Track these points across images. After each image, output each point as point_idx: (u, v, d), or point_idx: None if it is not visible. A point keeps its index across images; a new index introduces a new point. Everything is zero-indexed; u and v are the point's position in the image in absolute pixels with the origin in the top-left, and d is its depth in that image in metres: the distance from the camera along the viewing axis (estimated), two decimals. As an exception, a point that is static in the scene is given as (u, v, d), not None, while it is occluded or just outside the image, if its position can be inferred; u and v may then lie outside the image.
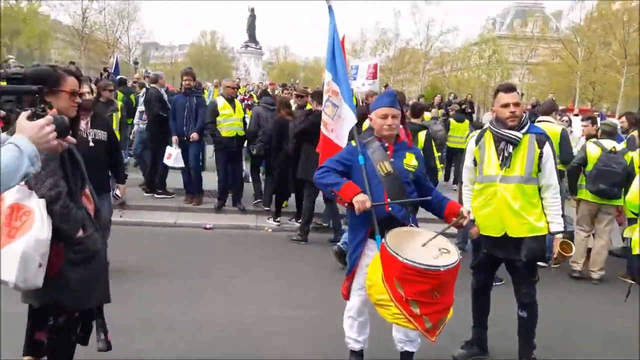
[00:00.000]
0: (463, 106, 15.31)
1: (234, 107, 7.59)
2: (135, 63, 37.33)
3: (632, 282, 5.23)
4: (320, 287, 5.16)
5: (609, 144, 5.96)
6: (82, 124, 4.24)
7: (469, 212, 3.30)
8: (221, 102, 7.64)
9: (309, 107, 8.39)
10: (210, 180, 8.31)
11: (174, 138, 7.63)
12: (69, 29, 36.19)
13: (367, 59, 10.65)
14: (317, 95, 6.75)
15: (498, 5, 61.18)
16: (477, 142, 3.75)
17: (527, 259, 3.56)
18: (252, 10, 34.15)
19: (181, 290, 4.92)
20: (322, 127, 4.26)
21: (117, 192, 5.36)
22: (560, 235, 3.59)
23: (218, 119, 7.52)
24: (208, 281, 5.22)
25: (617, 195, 5.82)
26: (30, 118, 1.78)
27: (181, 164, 7.60)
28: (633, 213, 4.67)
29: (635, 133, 6.76)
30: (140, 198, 7.94)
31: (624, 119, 7.64)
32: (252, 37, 34.67)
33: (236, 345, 3.87)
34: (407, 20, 70.78)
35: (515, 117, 3.52)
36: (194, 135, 7.61)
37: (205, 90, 15.13)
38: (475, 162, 3.74)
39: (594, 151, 5.98)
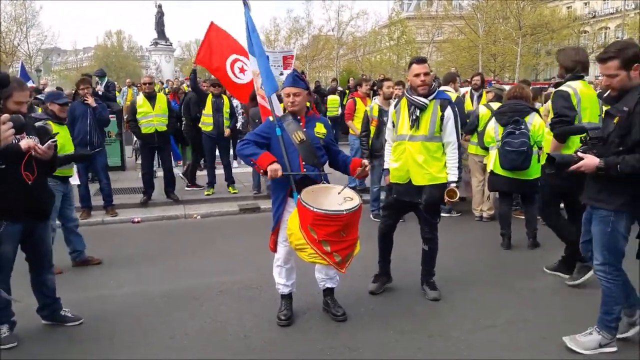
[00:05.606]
0: (375, 87, 16.22)
1: (153, 105, 7.81)
2: (38, 71, 35.48)
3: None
4: (253, 258, 5.65)
5: (496, 105, 6.84)
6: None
7: (369, 163, 4.02)
8: (140, 99, 7.91)
9: (226, 98, 8.87)
10: (131, 177, 8.30)
11: None
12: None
13: (280, 51, 11.32)
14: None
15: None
16: (395, 107, 4.42)
17: (427, 202, 4.26)
18: (160, 6, 33.22)
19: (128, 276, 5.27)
20: (259, 99, 5.11)
21: None
22: (454, 185, 4.22)
23: (137, 116, 7.78)
24: (151, 265, 5.59)
25: None
26: None
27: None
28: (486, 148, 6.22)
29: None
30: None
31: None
32: (161, 34, 33.70)
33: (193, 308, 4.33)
34: (317, 7, 71.91)
35: (426, 85, 4.16)
36: None
37: (117, 92, 15.04)
38: (393, 124, 4.39)
39: (483, 112, 6.88)
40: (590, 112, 4.47)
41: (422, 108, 4.15)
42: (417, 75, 4.16)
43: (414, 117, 4.17)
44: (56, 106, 5.24)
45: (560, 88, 4.49)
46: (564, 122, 4.32)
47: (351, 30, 40.20)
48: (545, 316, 4.07)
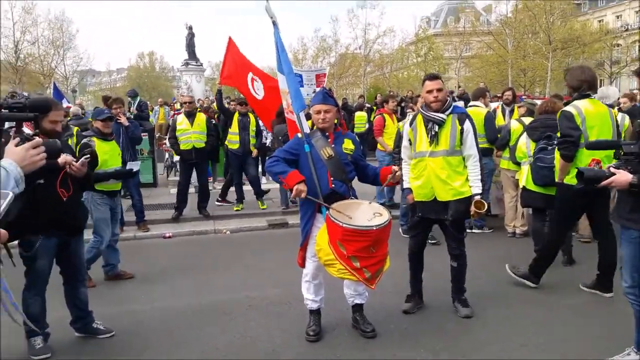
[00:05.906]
0: (402, 103, 16.17)
1: (192, 122, 7.99)
2: (73, 91, 36.71)
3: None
4: (281, 273, 5.66)
5: (528, 120, 6.74)
6: None
7: (398, 170, 3.99)
8: (180, 118, 8.19)
9: (252, 116, 8.97)
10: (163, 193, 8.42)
11: None
12: (1, 63, 35.05)
13: (313, 69, 11.59)
14: None
15: (430, 4, 64.05)
16: (410, 124, 4.39)
17: (453, 218, 4.20)
18: (190, 27, 34.02)
19: (162, 290, 5.33)
20: (289, 115, 5.12)
21: None
22: (478, 197, 4.16)
23: (177, 133, 8.03)
24: (183, 280, 5.65)
25: None
26: (19, 143, 1.96)
27: None
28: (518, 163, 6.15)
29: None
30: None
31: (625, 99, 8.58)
32: (192, 54, 34.49)
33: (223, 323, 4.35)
34: (344, 26, 72.50)
35: (438, 101, 4.13)
36: None
37: (150, 111, 15.41)
38: (410, 142, 4.36)
39: (515, 127, 6.79)
40: (598, 130, 4.47)
41: (440, 124, 4.13)
42: (429, 91, 4.15)
43: (433, 133, 4.15)
44: (99, 123, 5.41)
45: (565, 108, 4.57)
46: (568, 142, 4.44)
47: (378, 47, 40.36)
48: (580, 334, 3.94)
